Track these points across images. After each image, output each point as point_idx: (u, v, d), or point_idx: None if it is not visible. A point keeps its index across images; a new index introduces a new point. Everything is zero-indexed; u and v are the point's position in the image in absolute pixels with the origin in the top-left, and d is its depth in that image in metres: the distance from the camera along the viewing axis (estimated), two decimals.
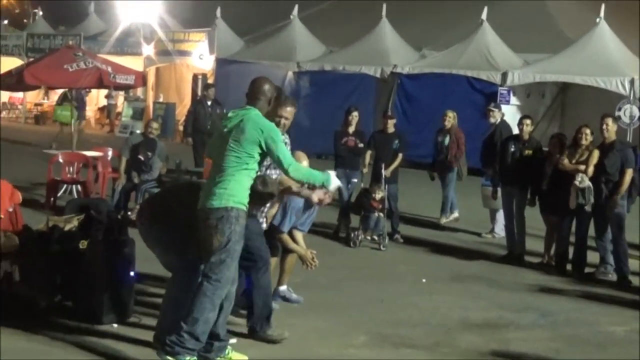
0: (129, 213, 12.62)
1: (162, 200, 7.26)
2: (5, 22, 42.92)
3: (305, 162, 7.98)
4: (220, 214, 6.34)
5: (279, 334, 7.32)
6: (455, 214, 14.28)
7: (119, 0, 31.37)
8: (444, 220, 14.17)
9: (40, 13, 38.81)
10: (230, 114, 6.67)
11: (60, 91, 25.37)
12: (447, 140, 14.05)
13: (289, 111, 7.23)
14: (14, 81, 16.48)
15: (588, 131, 10.86)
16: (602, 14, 21.55)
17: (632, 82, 20.16)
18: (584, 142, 10.80)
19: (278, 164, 6.54)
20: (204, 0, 30.36)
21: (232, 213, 6.34)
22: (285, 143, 7.06)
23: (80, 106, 31.16)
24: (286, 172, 6.54)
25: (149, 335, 6.94)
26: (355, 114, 12.82)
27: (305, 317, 7.51)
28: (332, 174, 6.72)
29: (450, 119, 14.20)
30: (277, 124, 6.96)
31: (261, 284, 7.31)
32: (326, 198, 7.66)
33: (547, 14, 24.44)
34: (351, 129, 12.75)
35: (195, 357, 6.41)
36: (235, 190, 6.37)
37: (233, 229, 6.34)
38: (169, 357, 6.34)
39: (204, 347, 6.51)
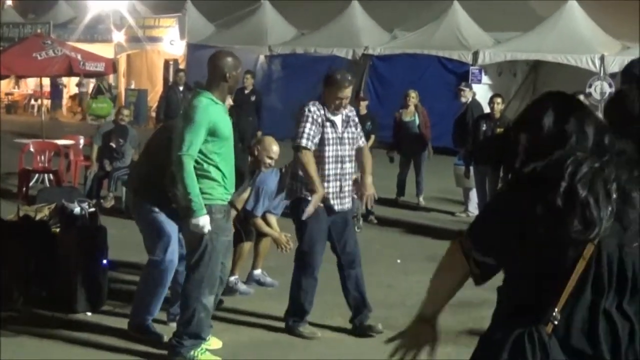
0: (102, 201, 12.59)
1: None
2: None
3: (275, 147, 7.99)
4: None
5: (310, 332, 7.16)
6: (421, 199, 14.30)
7: None
8: (422, 201, 14.18)
9: (9, 2, 38.47)
10: None
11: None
12: (417, 119, 14.06)
13: (349, 91, 6.93)
14: None
15: None
16: None
17: (602, 58, 20.28)
18: None
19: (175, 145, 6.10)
20: None
21: None
22: (350, 119, 6.97)
23: (57, 96, 31.17)
24: (173, 158, 6.05)
25: (123, 323, 6.92)
26: None
27: (280, 300, 7.50)
28: (205, 219, 5.99)
29: (414, 98, 14.19)
30: (338, 107, 6.85)
31: (302, 286, 7.07)
32: None
33: None
34: None
35: (202, 349, 6.35)
36: (200, 186, 6.06)
37: None
38: (176, 358, 6.31)
39: None
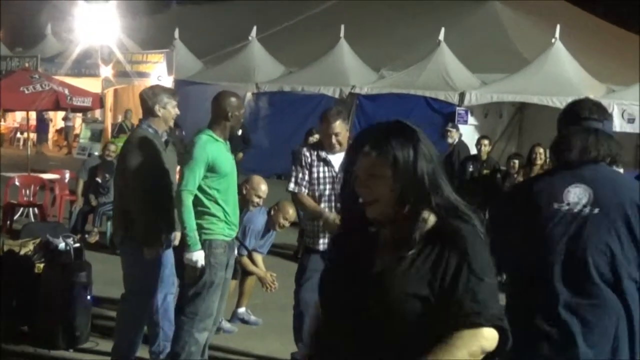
0: (86, 236, 12.53)
1: None
2: None
3: (264, 187, 8.01)
4: None
5: None
6: None
7: (77, 22, 31.16)
8: None
9: None
10: None
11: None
12: None
13: (337, 126, 6.67)
14: None
15: (541, 150, 11.01)
16: (557, 34, 21.82)
17: None
18: (538, 161, 10.94)
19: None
20: (162, 22, 30.29)
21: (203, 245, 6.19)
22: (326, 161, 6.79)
23: (43, 129, 31.12)
24: (176, 193, 6.27)
25: None
26: (317, 136, 12.84)
27: (264, 339, 7.49)
28: (199, 254, 6.15)
29: None
30: (331, 144, 6.69)
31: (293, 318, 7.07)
32: (285, 223, 7.86)
33: (504, 35, 24.72)
34: None
35: None
36: (200, 221, 6.17)
37: (206, 261, 6.16)
38: None
39: None
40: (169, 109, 6.66)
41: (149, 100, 6.64)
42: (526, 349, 3.56)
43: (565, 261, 3.62)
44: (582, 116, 3.92)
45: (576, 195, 3.63)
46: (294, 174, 6.84)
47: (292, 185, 6.81)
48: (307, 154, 6.83)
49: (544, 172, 3.87)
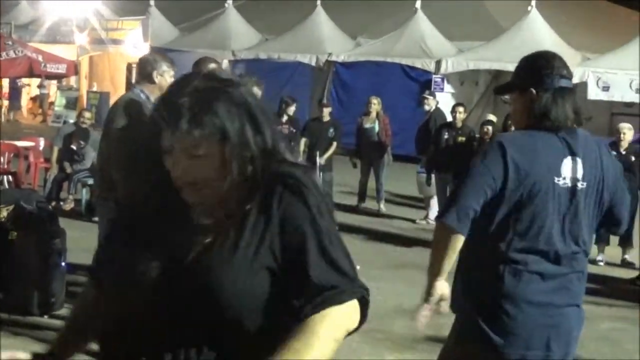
0: (61, 204, 12.49)
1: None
2: None
3: None
4: None
5: None
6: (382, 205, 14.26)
7: None
8: (382, 207, 14.16)
9: None
10: None
11: None
12: (376, 126, 14.04)
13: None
14: None
15: None
16: (533, 2, 21.87)
17: None
18: (512, 129, 10.96)
19: None
20: None
21: None
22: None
23: (15, 96, 30.85)
24: None
25: None
26: (292, 108, 13.00)
27: None
28: None
29: (376, 105, 14.18)
30: None
31: None
32: None
33: (480, 3, 24.70)
34: (284, 117, 12.82)
35: None
36: None
37: None
38: None
39: None
40: (166, 78, 6.60)
41: (148, 65, 6.56)
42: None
43: (558, 233, 3.51)
44: (561, 74, 3.71)
45: (570, 169, 3.51)
46: None
47: None
48: None
49: (528, 134, 3.62)
